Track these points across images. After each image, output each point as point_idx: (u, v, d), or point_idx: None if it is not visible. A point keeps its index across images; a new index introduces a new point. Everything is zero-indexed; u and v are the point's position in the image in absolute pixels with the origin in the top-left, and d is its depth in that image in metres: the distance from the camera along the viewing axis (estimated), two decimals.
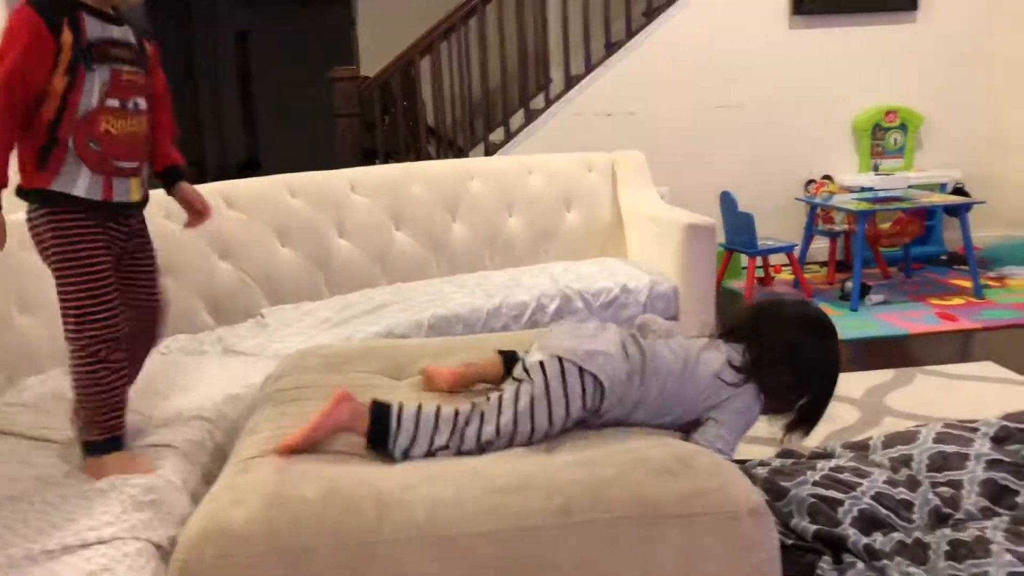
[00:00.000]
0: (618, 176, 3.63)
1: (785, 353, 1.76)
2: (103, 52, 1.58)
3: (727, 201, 4.62)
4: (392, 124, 5.28)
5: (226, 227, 2.93)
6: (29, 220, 1.63)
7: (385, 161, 5.09)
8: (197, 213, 1.92)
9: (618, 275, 3.11)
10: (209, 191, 3.04)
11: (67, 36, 1.52)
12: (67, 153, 1.58)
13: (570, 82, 5.02)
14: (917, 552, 1.88)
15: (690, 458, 1.35)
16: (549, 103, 5.01)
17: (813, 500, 2.06)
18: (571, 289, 3.00)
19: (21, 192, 1.61)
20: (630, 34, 5.00)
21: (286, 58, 8.55)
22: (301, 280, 3.09)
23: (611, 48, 5.02)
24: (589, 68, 5.01)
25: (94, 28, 1.57)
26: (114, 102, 1.61)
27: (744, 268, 4.69)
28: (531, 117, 5.04)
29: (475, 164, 3.64)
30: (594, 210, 3.57)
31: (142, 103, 1.69)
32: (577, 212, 3.56)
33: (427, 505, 1.28)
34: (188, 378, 2.04)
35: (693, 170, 5.03)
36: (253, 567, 1.23)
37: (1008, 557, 1.70)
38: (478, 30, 4.98)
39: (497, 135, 5.14)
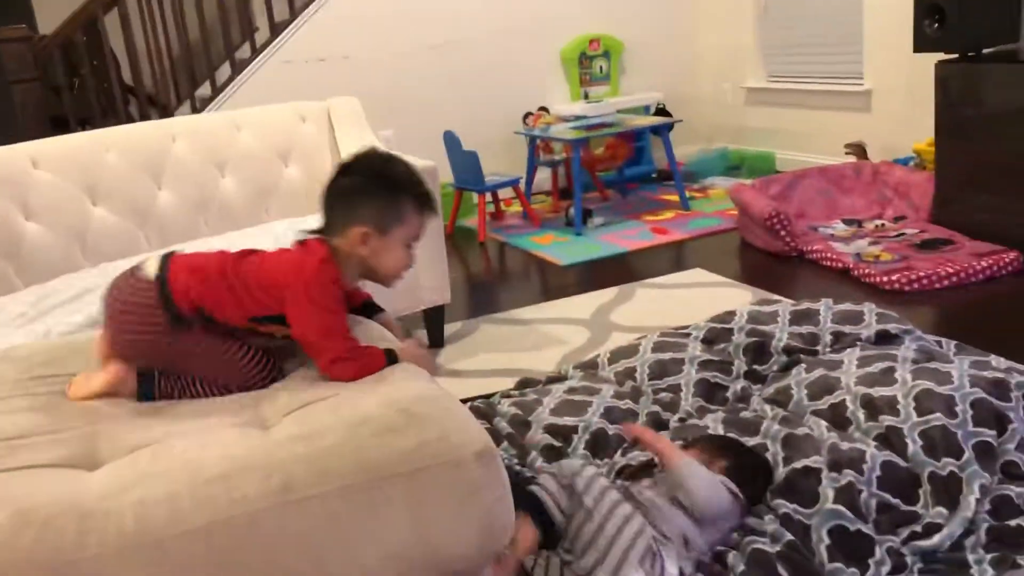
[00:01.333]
0: (335, 124, 3.52)
1: None
2: None
3: (451, 140, 4.64)
4: (82, 87, 4.78)
5: None
6: None
7: (80, 128, 4.61)
8: None
9: None
10: None
11: None
12: None
13: (276, 29, 4.78)
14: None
15: (414, 408, 1.33)
16: (256, 52, 4.75)
17: (547, 436, 2.14)
18: None
19: None
20: None
21: None
22: None
23: None
24: (294, 13, 4.80)
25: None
26: None
27: (475, 205, 4.76)
28: (239, 69, 4.76)
29: (176, 124, 3.36)
30: (314, 162, 3.44)
31: None
32: (296, 166, 3.42)
33: (135, 510, 1.17)
34: None
35: (416, 112, 5.01)
36: None
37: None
38: None
39: (204, 90, 4.81)
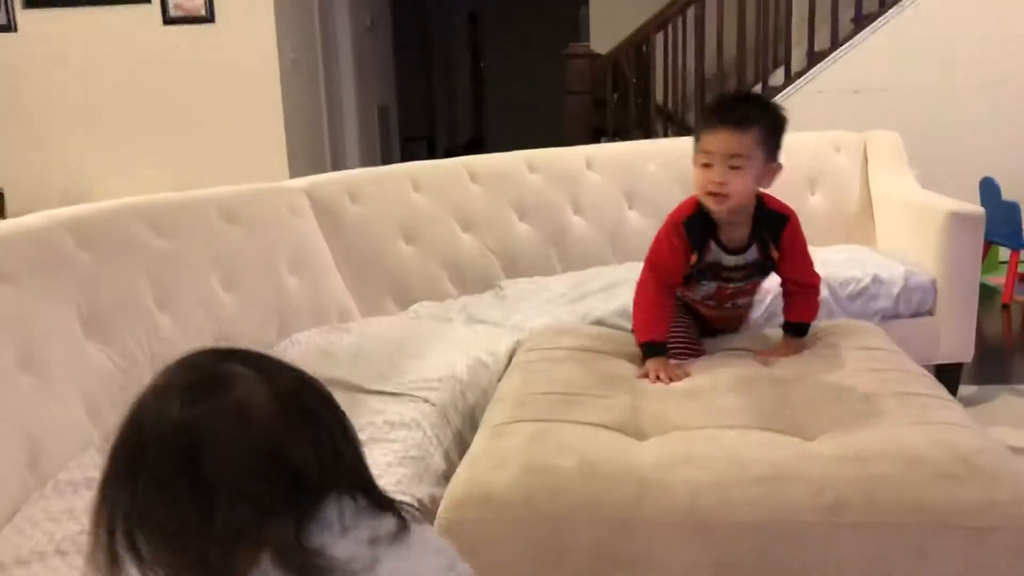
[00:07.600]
0: (870, 158, 3.40)
1: None
2: (715, 272, 1.94)
3: (989, 188, 4.23)
4: (622, 102, 5.24)
5: (469, 201, 3.03)
6: None
7: (613, 139, 5.06)
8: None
9: (867, 264, 2.91)
10: (454, 165, 3.17)
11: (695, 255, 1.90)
12: None
13: (813, 58, 4.76)
14: None
15: (974, 460, 1.23)
16: (790, 80, 4.78)
17: None
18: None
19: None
20: (883, 6, 4.66)
21: (515, 37, 8.72)
22: (536, 254, 3.13)
23: (861, 22, 4.71)
24: (835, 43, 4.73)
25: (713, 254, 1.91)
26: (712, 303, 2.01)
27: (1004, 263, 4.27)
28: (769, 95, 4.83)
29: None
30: (841, 193, 3.36)
31: (742, 301, 2.05)
32: (822, 195, 3.37)
33: (687, 488, 1.25)
34: (438, 343, 2.12)
35: (946, 153, 4.62)
36: (513, 531, 1.25)
37: None
38: (716, 4, 4.82)
39: None
